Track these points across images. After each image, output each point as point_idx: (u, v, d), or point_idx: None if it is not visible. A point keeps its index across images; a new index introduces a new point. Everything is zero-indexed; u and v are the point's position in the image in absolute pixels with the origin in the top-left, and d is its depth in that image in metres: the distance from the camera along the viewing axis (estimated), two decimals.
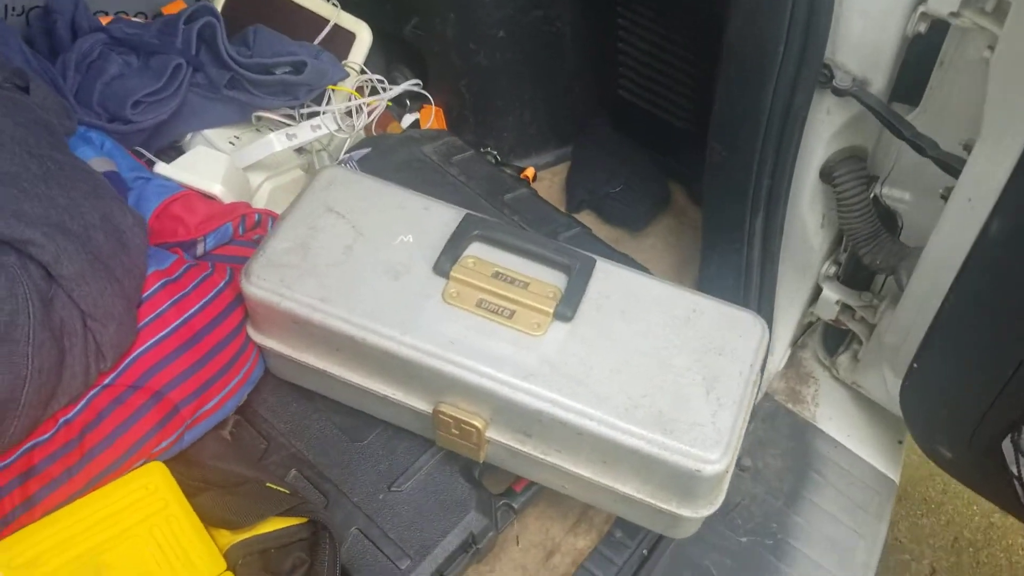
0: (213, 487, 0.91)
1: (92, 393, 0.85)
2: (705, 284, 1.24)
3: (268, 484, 0.91)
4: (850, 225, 1.08)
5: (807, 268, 1.20)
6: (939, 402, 1.01)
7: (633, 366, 0.87)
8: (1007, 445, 0.95)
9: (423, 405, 0.92)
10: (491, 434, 0.91)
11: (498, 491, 1.05)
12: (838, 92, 0.95)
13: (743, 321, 0.91)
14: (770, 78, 0.94)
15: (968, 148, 0.86)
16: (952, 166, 0.88)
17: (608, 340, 0.88)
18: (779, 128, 0.97)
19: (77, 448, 0.82)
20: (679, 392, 0.85)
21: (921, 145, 0.90)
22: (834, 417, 1.31)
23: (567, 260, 0.92)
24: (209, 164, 1.11)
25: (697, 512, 0.89)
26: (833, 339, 1.33)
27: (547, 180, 1.46)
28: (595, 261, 0.93)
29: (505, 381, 0.86)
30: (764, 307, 1.18)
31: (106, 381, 0.86)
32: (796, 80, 0.93)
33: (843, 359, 1.30)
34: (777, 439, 1.27)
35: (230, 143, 1.21)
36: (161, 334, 0.90)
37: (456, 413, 0.90)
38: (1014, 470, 0.93)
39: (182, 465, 0.91)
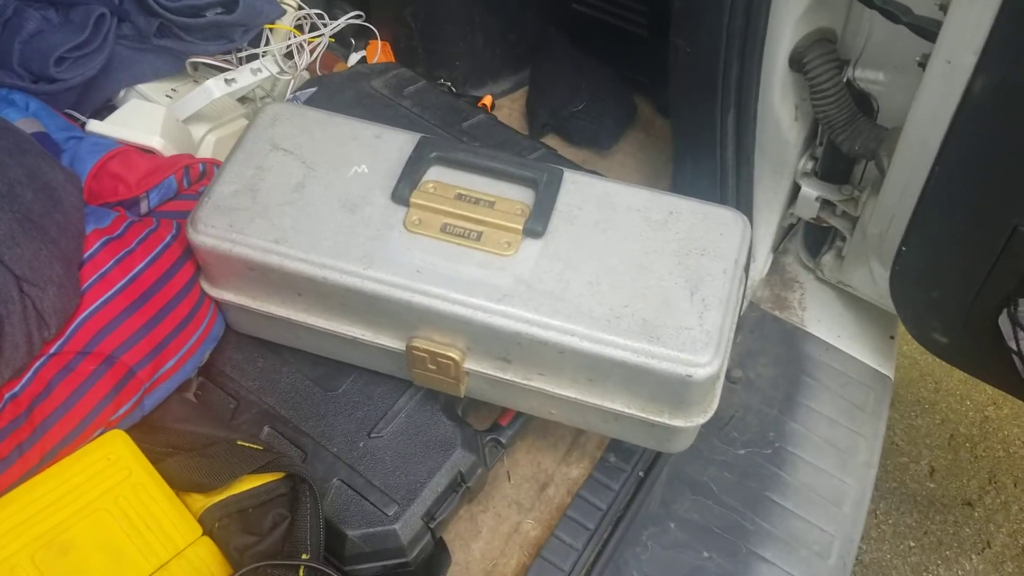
0: (181, 451, 0.86)
1: (38, 363, 0.79)
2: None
3: (239, 442, 0.86)
4: (825, 113, 1.03)
5: (783, 166, 1.15)
6: (930, 284, 0.97)
7: (612, 276, 0.82)
8: (1004, 320, 0.92)
9: (395, 343, 0.87)
10: (469, 365, 0.87)
11: (483, 427, 1.00)
12: None
13: (722, 218, 0.87)
14: None
15: (944, 7, 0.80)
16: (928, 30, 0.83)
17: (583, 252, 0.83)
18: (743, 12, 0.92)
19: (27, 423, 0.77)
20: (663, 297, 0.81)
21: (894, 12, 0.85)
22: (823, 319, 1.27)
23: (532, 174, 0.86)
24: (145, 117, 1.04)
25: (691, 421, 0.85)
26: (814, 240, 1.29)
27: (506, 108, 1.40)
28: (562, 172, 0.87)
29: (479, 306, 0.81)
30: (743, 211, 1.12)
31: (52, 349, 0.80)
32: None
33: (827, 259, 1.26)
34: (767, 347, 1.24)
35: (167, 96, 1.14)
36: (107, 295, 0.84)
37: (431, 347, 0.85)
38: (1013, 345, 0.90)
39: (146, 432, 0.86)
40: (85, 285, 0.83)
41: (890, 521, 1.69)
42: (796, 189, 1.19)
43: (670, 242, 0.84)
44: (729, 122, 1.05)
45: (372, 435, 0.94)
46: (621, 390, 0.83)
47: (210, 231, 0.85)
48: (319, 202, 0.86)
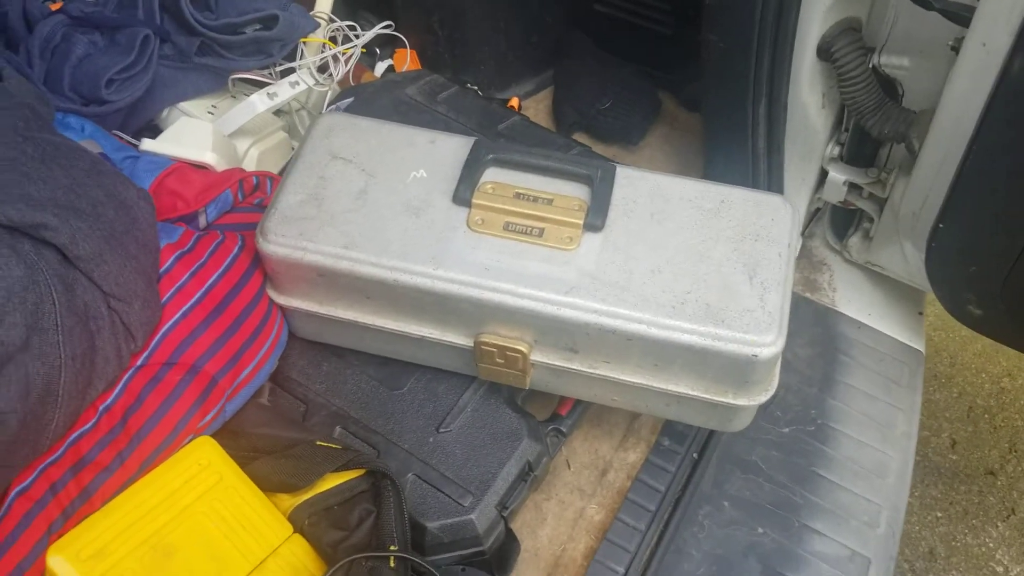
0: (263, 454, 0.89)
1: (127, 376, 0.82)
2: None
3: (319, 442, 0.89)
4: (853, 98, 1.07)
5: (811, 152, 1.19)
6: (967, 259, 1.01)
7: (673, 264, 0.86)
8: None
9: (463, 339, 0.91)
10: (536, 357, 0.90)
11: (544, 418, 1.04)
12: None
13: (771, 204, 0.90)
14: None
15: None
16: (960, 15, 0.87)
17: (643, 243, 0.87)
18: (776, 7, 0.95)
19: (123, 433, 0.80)
20: (723, 282, 0.84)
21: None
22: (853, 299, 1.31)
23: (587, 170, 0.90)
24: (196, 134, 1.07)
25: (754, 399, 0.88)
26: (841, 223, 1.33)
27: (531, 108, 1.44)
28: (615, 167, 0.91)
29: (547, 299, 0.84)
30: None
31: (139, 362, 0.83)
32: None
33: (854, 240, 1.30)
34: (801, 328, 1.28)
35: (209, 113, 1.17)
36: (186, 307, 0.87)
37: (500, 341, 0.89)
38: None
39: (228, 437, 0.89)
40: (164, 298, 0.86)
41: (916, 493, 1.73)
42: (823, 174, 1.23)
43: (724, 229, 0.88)
44: (760, 112, 1.09)
45: (441, 430, 0.97)
46: (687, 373, 0.87)
47: (280, 240, 0.88)
48: (383, 207, 0.90)
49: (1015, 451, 1.79)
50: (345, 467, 0.87)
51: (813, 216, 1.36)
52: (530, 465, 0.97)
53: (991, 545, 1.67)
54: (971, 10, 0.85)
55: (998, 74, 0.83)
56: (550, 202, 0.89)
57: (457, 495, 0.93)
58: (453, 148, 0.94)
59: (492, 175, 0.91)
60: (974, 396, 1.88)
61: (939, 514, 1.72)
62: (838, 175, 1.21)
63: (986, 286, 1.01)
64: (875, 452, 1.16)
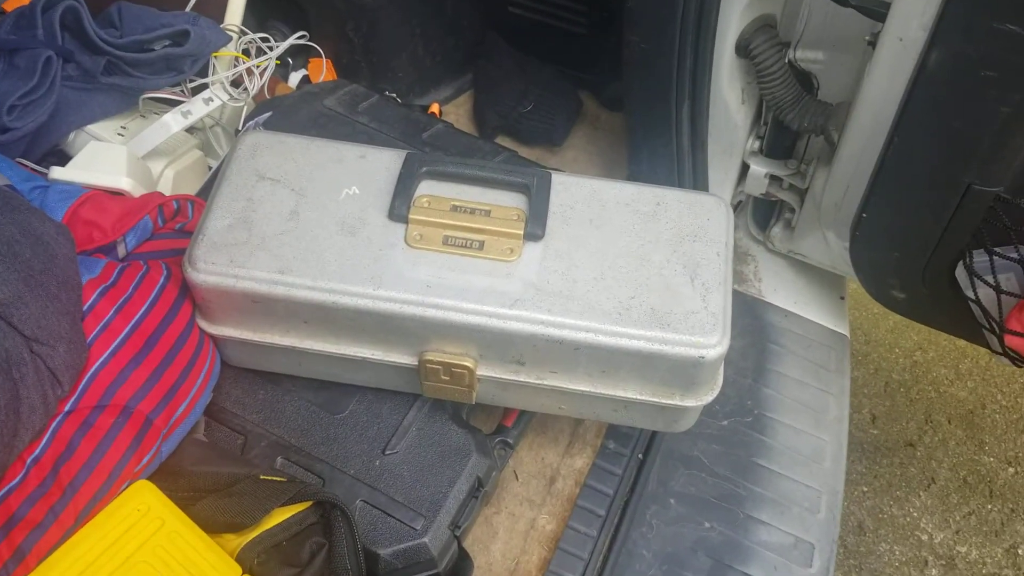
0: (205, 493, 0.85)
1: (56, 423, 0.77)
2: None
3: (262, 476, 0.86)
4: (772, 93, 1.09)
5: (732, 147, 1.21)
6: (891, 245, 1.04)
7: (615, 270, 0.85)
8: (960, 272, 0.99)
9: (407, 359, 0.89)
10: (483, 371, 0.89)
11: (490, 430, 1.03)
12: None
13: (706, 204, 0.91)
14: None
15: None
16: (876, 11, 0.89)
17: (584, 250, 0.87)
18: (696, 7, 0.96)
19: (55, 485, 0.75)
20: (665, 284, 0.85)
21: None
22: (778, 288, 1.34)
23: (523, 179, 0.89)
24: (108, 158, 1.02)
25: (701, 400, 0.89)
26: (762, 214, 1.36)
27: (452, 114, 1.42)
28: (551, 174, 0.90)
29: (492, 313, 0.83)
30: None
31: (67, 407, 0.78)
32: None
33: (776, 231, 1.33)
34: (732, 320, 1.29)
35: (118, 135, 1.12)
36: (113, 345, 0.82)
37: (444, 358, 0.87)
38: (970, 294, 0.97)
39: (166, 479, 0.85)
40: (90, 338, 0.81)
41: None
42: (744, 168, 1.25)
43: (663, 232, 0.88)
44: (684, 111, 1.10)
45: (387, 452, 0.95)
46: (634, 378, 0.87)
47: (210, 268, 0.84)
48: (316, 228, 0.87)
49: (931, 421, 1.86)
50: (292, 500, 0.84)
51: (735, 208, 1.38)
52: (480, 481, 0.96)
53: (915, 515, 1.74)
54: (886, 6, 0.87)
55: (915, 67, 0.86)
56: (488, 213, 0.88)
57: (408, 519, 0.91)
58: (385, 162, 0.91)
59: (427, 188, 0.90)
60: (889, 371, 1.95)
61: (865, 488, 1.78)
62: (759, 168, 1.23)
63: (909, 271, 1.04)
64: (810, 438, 1.19)
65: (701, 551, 1.07)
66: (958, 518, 1.73)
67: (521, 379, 0.89)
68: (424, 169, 0.89)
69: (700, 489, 1.12)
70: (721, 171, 1.24)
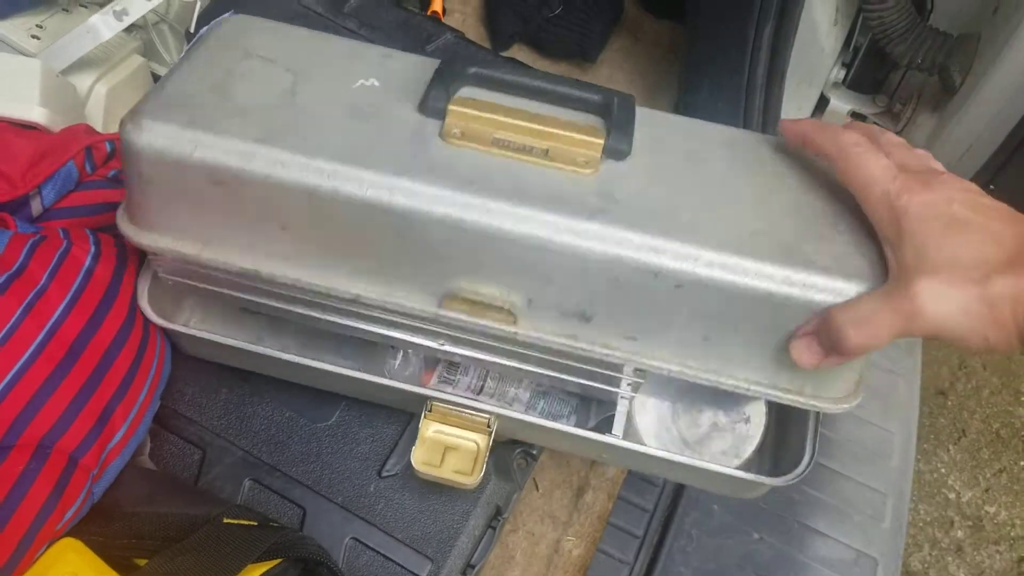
0: (152, 541, 0.65)
1: None
2: (690, 115, 1.00)
3: (226, 520, 0.66)
4: (881, 18, 0.85)
5: (813, 76, 0.98)
6: None
7: (733, 202, 0.60)
8: None
9: (422, 301, 0.62)
10: (526, 329, 0.62)
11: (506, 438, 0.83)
12: None
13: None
14: None
15: None
16: None
17: (684, 180, 0.62)
18: None
19: None
20: (802, 224, 0.59)
21: None
22: None
23: (601, 98, 0.63)
24: (16, 77, 0.76)
25: (839, 400, 0.63)
26: None
27: (457, 12, 1.15)
28: (633, 98, 0.65)
29: (559, 224, 0.56)
30: (769, 133, 0.95)
31: None
32: None
33: None
34: None
35: (33, 37, 0.86)
36: (22, 360, 0.60)
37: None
38: None
39: (99, 525, 0.65)
40: None
41: None
42: (821, 102, 1.02)
43: (784, 177, 0.64)
44: (765, 35, 0.86)
45: (384, 474, 0.75)
46: (753, 348, 0.61)
47: (159, 129, 0.56)
48: (319, 107, 0.61)
49: (965, 367, 1.71)
50: (267, 556, 0.65)
51: None
52: (499, 509, 0.77)
53: (943, 471, 1.60)
54: None
55: None
56: (555, 121, 0.61)
57: (411, 563, 0.72)
58: (414, 64, 0.66)
59: (471, 94, 0.63)
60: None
61: None
62: (841, 104, 1.01)
63: None
64: (876, 430, 1.02)
65: (749, 567, 0.92)
66: (988, 475, 1.60)
67: (582, 347, 0.62)
68: (473, 70, 0.63)
69: None
70: (794, 103, 1.01)
